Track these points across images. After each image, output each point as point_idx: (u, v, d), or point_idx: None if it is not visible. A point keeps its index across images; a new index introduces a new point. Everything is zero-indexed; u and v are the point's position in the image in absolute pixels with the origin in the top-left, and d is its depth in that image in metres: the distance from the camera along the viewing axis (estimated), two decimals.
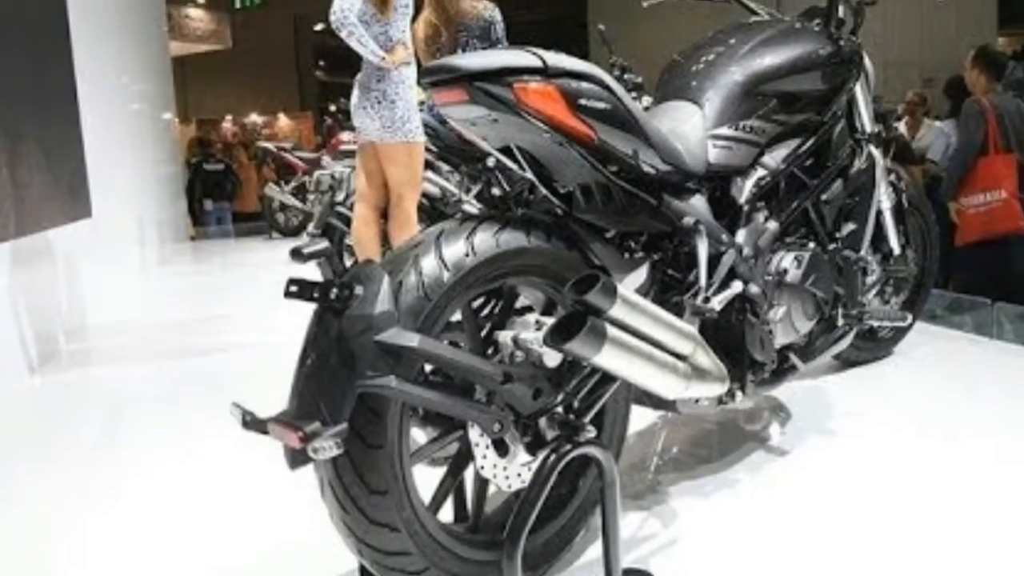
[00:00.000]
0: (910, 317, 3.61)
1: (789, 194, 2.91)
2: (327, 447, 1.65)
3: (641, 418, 3.16)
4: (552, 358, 2.02)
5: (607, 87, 2.16)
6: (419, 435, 2.11)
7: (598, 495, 2.03)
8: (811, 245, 2.90)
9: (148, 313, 6.90)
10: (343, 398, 1.72)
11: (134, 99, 9.58)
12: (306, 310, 1.83)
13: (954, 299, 5.18)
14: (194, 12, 21.45)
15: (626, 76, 7.33)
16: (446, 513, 2.12)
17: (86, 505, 2.92)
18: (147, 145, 10.12)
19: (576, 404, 2.12)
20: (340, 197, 6.31)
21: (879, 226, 3.36)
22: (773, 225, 2.75)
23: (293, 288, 1.80)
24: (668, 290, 2.48)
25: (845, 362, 3.80)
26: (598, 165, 2.19)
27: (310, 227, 6.44)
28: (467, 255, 1.94)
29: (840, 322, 3.02)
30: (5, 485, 3.16)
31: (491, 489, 2.13)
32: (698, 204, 2.52)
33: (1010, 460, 2.83)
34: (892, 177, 3.63)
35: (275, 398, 1.85)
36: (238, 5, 24.90)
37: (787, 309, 2.73)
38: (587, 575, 2.22)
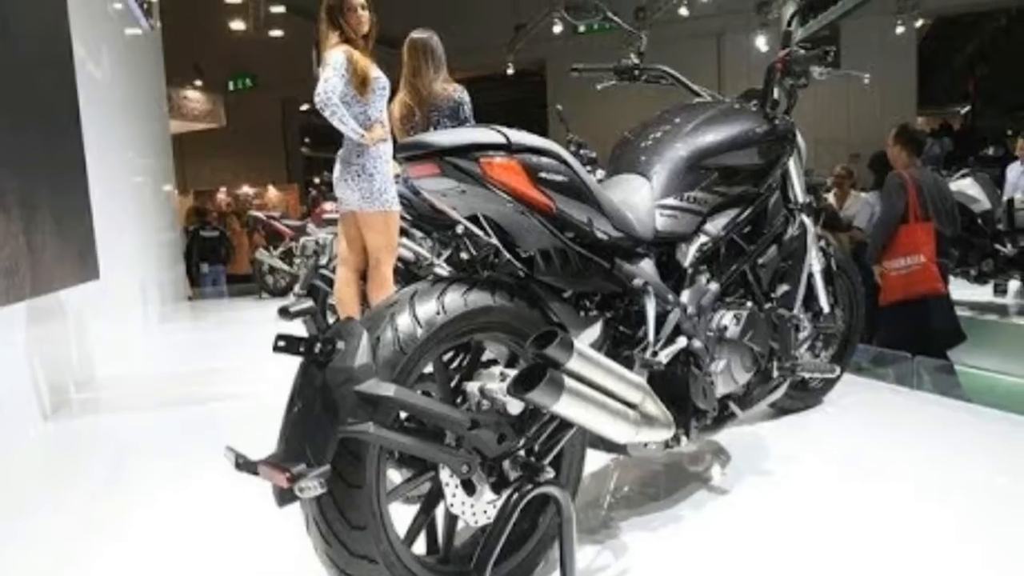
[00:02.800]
0: (838, 369, 3.64)
1: (729, 258, 2.93)
2: (312, 486, 1.66)
3: (595, 461, 3.18)
4: (515, 406, 2.03)
5: (564, 161, 2.17)
6: (395, 475, 2.12)
7: (557, 530, 2.06)
8: (749, 304, 2.91)
9: (151, 366, 6.87)
10: (326, 442, 1.73)
11: (138, 172, 9.56)
12: (293, 363, 1.84)
13: (878, 353, 5.24)
14: (191, 94, 21.48)
15: (582, 151, 7.43)
16: (419, 546, 2.12)
17: (96, 538, 2.90)
18: (149, 214, 10.09)
19: (537, 448, 2.13)
20: (323, 261, 6.32)
21: (810, 287, 3.38)
22: (714, 286, 2.78)
23: (281, 343, 1.82)
24: (620, 345, 2.50)
25: (779, 410, 3.83)
26: (556, 232, 2.20)
27: (296, 288, 6.44)
28: (438, 313, 1.96)
29: (775, 374, 3.05)
30: (23, 521, 3.13)
31: (460, 524, 2.13)
32: (647, 267, 2.54)
33: (927, 497, 2.87)
34: (822, 243, 3.67)
35: (265, 442, 1.85)
36: (231, 87, 25.06)
37: (727, 362, 2.74)
38: None
